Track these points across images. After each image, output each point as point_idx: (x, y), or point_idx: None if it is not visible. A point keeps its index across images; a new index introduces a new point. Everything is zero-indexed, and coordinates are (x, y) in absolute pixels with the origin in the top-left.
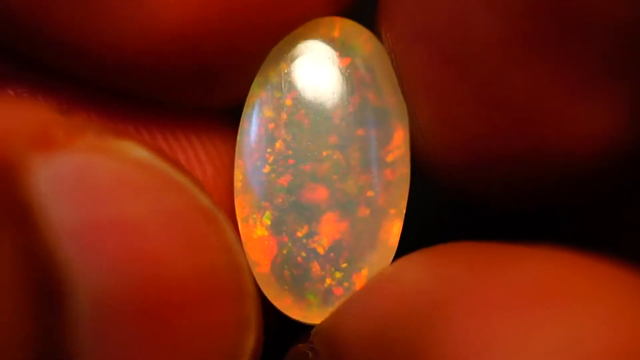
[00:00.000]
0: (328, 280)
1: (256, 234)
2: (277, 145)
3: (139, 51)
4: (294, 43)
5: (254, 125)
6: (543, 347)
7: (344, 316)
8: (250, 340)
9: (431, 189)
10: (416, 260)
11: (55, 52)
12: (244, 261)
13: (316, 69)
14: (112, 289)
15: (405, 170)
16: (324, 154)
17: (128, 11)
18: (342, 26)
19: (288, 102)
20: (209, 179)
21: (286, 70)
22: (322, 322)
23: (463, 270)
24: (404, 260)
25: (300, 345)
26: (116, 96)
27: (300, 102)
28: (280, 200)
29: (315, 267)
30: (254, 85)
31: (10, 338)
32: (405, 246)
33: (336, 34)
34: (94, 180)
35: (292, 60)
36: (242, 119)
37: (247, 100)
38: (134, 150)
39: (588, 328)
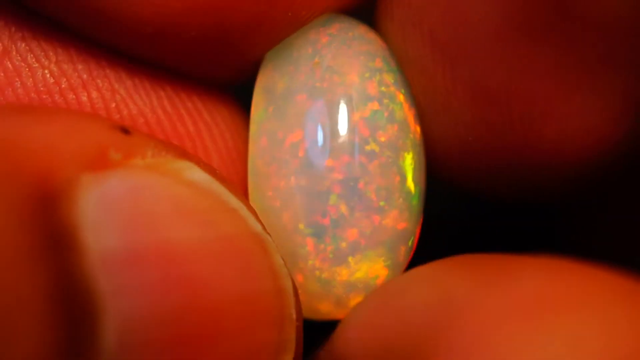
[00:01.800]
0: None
1: None
2: None
3: (158, 15)
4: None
5: None
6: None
7: (348, 332)
8: None
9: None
10: (420, 274)
11: (69, 13)
12: (289, 284)
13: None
14: (143, 317)
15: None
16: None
17: None
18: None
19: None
20: (220, 149)
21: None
22: (329, 339)
23: (466, 284)
24: (408, 274)
25: None
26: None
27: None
28: None
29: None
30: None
31: None
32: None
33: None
34: (145, 203)
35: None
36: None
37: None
38: (191, 172)
39: (586, 337)
